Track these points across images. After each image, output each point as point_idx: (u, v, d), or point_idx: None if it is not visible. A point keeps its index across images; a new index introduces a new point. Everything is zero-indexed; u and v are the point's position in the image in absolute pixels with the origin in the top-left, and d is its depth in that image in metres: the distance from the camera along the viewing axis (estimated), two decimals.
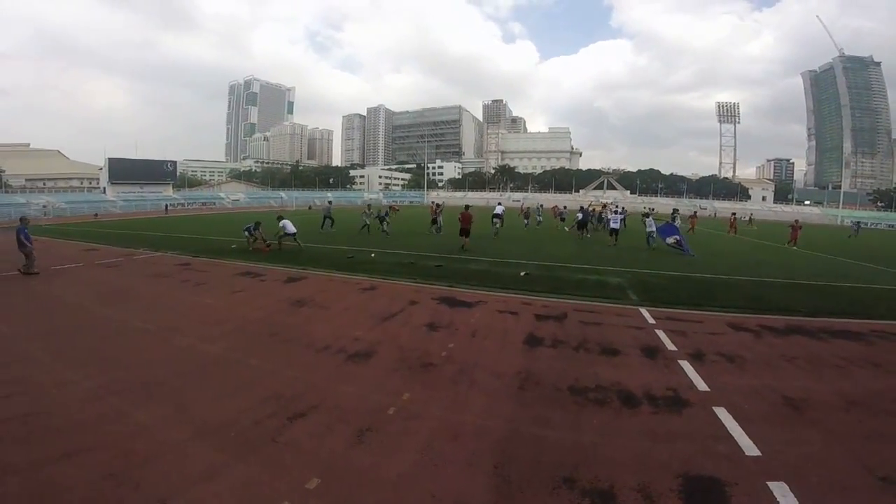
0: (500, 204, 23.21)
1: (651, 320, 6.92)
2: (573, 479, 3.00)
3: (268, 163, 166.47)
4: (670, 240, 16.30)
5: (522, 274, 10.25)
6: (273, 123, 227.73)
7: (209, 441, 3.48)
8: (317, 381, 4.67)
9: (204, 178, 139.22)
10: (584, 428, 3.72)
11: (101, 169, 64.44)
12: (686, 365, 5.10)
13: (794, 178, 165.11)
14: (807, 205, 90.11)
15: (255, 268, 11.49)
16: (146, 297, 8.46)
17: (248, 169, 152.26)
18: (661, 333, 6.24)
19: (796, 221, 22.46)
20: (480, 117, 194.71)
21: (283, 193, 79.84)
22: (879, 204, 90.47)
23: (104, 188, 60.16)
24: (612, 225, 18.70)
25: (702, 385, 4.55)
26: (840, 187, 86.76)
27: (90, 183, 73.51)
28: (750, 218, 41.00)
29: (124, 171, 61.19)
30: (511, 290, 8.80)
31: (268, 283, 9.81)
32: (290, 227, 14.90)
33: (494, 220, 20.83)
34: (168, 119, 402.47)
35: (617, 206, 30.89)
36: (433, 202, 23.51)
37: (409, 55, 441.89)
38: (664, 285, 9.74)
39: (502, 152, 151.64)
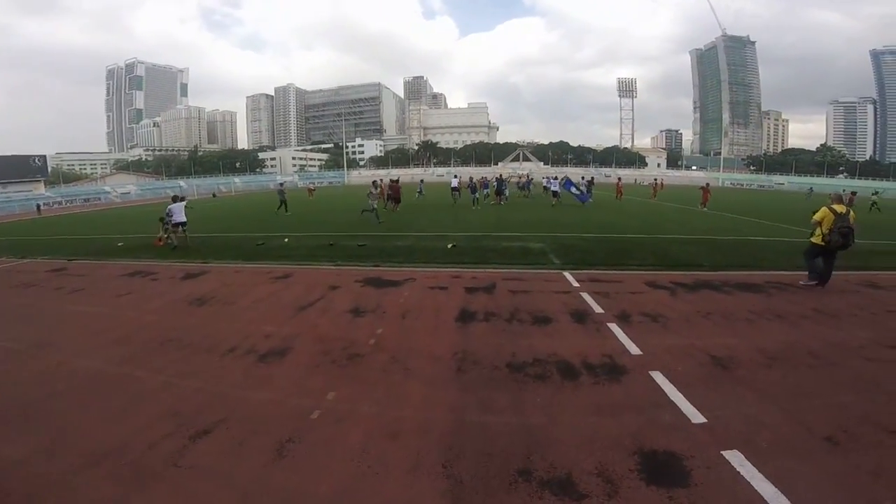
0: (455, 177, 26.13)
1: (575, 283, 7.00)
2: (528, 470, 2.72)
3: (160, 150, 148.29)
4: (574, 190, 22.93)
5: (450, 246, 10.02)
6: (164, 108, 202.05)
7: (99, 472, 2.80)
8: (222, 389, 3.96)
9: (84, 171, 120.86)
10: (529, 409, 3.48)
11: None
12: (615, 328, 5.12)
13: (683, 146, 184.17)
14: (693, 170, 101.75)
15: (147, 266, 9.91)
16: (7, 311, 6.91)
17: (136, 158, 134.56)
18: (586, 296, 6.30)
19: (707, 185, 23.13)
20: (402, 94, 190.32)
21: (182, 182, 71.96)
22: (751, 168, 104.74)
23: None
24: (553, 188, 23.79)
25: (634, 349, 4.56)
26: (720, 154, 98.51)
27: None
28: (659, 183, 37.36)
29: None
30: (440, 264, 8.49)
31: (161, 282, 8.45)
32: (179, 214, 12.28)
33: (454, 193, 23.87)
34: (34, 110, 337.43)
35: (556, 177, 32.42)
36: (389, 179, 23.05)
37: (322, 31, 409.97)
38: (583, 247, 10.08)
39: (424, 128, 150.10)
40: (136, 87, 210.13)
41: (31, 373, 4.44)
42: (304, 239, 12.22)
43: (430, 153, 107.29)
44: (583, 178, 41.69)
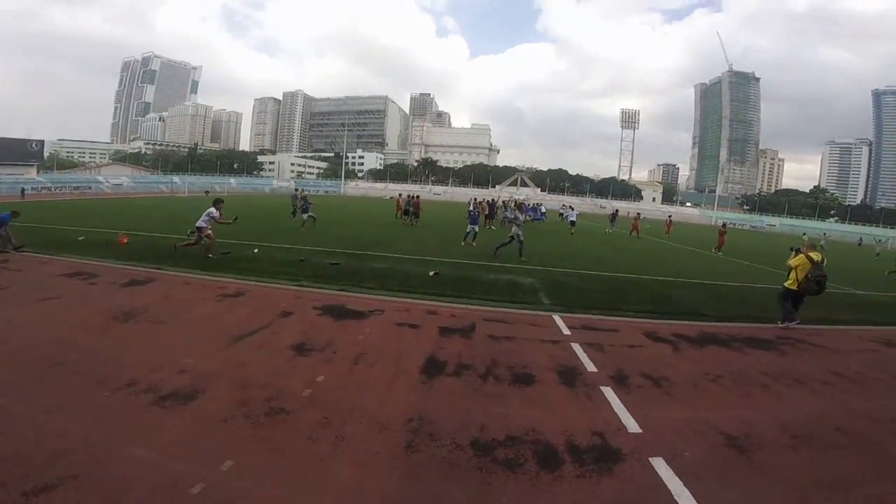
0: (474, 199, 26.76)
1: (566, 330, 6.08)
2: None
3: (161, 145, 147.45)
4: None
5: (432, 273, 9.04)
6: (173, 104, 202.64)
7: None
8: (92, 436, 3.07)
9: (82, 160, 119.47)
10: None
11: None
12: (610, 393, 4.21)
13: (679, 181, 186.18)
14: (688, 206, 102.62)
15: (94, 266, 8.87)
16: None
17: (136, 151, 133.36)
18: (577, 348, 5.37)
19: (724, 226, 20.33)
20: (407, 109, 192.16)
21: (176, 178, 70.93)
22: (745, 207, 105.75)
23: None
24: (571, 219, 25.48)
25: (632, 424, 3.64)
26: (714, 191, 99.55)
27: None
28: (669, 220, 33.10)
29: None
30: (416, 295, 7.51)
31: (98, 286, 7.43)
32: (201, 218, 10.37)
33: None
34: (46, 96, 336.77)
35: (571, 206, 33.21)
36: (407, 195, 23.68)
37: (337, 41, 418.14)
38: (577, 285, 9.17)
39: (426, 145, 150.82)
40: (149, 80, 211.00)
41: None
42: (276, 252, 11.23)
43: (429, 171, 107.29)
44: (570, 206, 41.17)
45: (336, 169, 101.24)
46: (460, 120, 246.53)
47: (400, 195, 24.05)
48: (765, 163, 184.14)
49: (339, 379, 4.20)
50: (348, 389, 4.00)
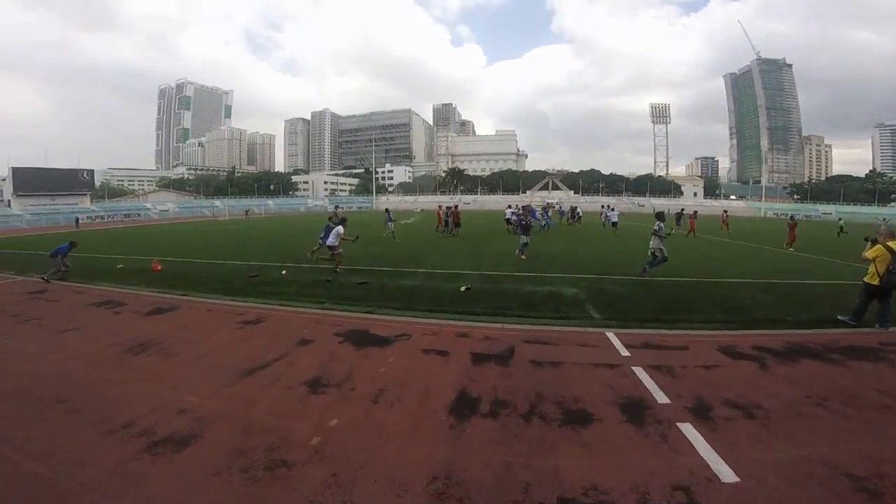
0: (510, 207, 25.21)
1: (624, 351, 5.21)
2: None
3: (202, 170, 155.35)
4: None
5: (463, 289, 8.33)
6: (209, 129, 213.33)
7: None
8: (68, 486, 2.78)
9: (131, 188, 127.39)
10: None
11: (3, 180, 56.32)
12: (690, 431, 3.37)
13: (719, 174, 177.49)
14: (732, 199, 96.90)
15: (123, 295, 8.84)
16: None
17: (179, 177, 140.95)
18: (641, 373, 4.52)
19: (792, 218, 18.26)
20: (430, 120, 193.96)
21: (217, 202, 74.00)
22: (795, 196, 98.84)
23: (8, 201, 52.67)
24: (613, 220, 24.84)
25: (725, 472, 2.83)
26: (759, 182, 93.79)
27: None
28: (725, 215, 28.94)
29: (32, 181, 53.91)
30: (446, 314, 6.82)
31: (121, 316, 7.28)
32: (330, 237, 10.89)
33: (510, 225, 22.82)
34: (89, 126, 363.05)
35: (612, 206, 32.59)
36: (445, 207, 23.92)
37: (355, 57, 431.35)
38: (627, 294, 8.19)
39: (452, 155, 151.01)
40: (185, 107, 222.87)
41: None
42: (302, 272, 10.88)
43: (457, 180, 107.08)
44: (610, 206, 39.54)
45: (367, 184, 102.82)
46: (484, 127, 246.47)
47: (440, 207, 24.41)
48: (810, 150, 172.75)
49: (353, 423, 3.57)
50: (363, 437, 3.36)
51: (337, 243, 10.71)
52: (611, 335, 5.75)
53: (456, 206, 24.63)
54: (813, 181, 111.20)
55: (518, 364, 4.78)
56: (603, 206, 34.42)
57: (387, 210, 22.64)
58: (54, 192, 55.75)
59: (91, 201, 61.82)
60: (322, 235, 12.07)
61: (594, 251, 15.21)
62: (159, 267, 11.78)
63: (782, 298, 8.16)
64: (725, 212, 28.10)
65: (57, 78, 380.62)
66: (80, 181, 59.90)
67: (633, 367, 4.70)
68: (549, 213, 26.96)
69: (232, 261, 13.11)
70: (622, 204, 74.25)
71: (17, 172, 53.17)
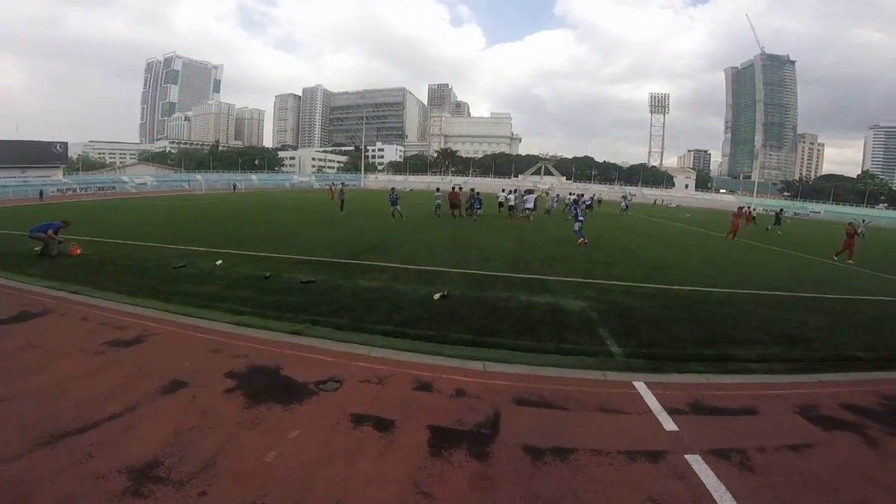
0: (504, 191, 23.94)
1: (668, 421, 3.38)
2: None
3: (186, 143, 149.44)
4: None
5: (437, 296, 6.38)
6: (197, 103, 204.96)
7: None
8: None
9: (112, 160, 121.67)
10: None
11: None
12: None
13: (711, 168, 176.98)
14: (722, 192, 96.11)
15: (5, 287, 6.81)
16: None
17: (161, 150, 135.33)
18: (703, 470, 2.73)
19: (850, 225, 13.90)
20: (425, 101, 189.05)
21: (199, 176, 70.37)
22: (786, 193, 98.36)
23: None
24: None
25: None
26: (749, 177, 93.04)
27: None
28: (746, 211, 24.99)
29: (2, 154, 50.20)
30: (407, 339, 4.89)
31: None
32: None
33: (500, 208, 22.21)
34: (72, 99, 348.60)
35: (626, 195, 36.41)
36: (451, 187, 23.02)
37: (353, 35, 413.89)
38: (649, 312, 6.27)
39: (445, 136, 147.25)
40: (172, 81, 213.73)
41: None
42: (244, 263, 8.82)
43: (449, 161, 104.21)
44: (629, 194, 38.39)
45: (356, 162, 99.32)
46: (479, 110, 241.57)
47: (459, 188, 22.34)
48: (803, 148, 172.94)
49: None
50: None
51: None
52: (642, 387, 3.91)
53: (458, 188, 23.11)
54: (804, 179, 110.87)
55: (504, 453, 2.87)
56: (623, 196, 37.21)
57: (393, 189, 20.27)
58: (25, 164, 52.42)
59: (64, 174, 58.32)
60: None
61: (598, 247, 13.29)
62: (78, 251, 9.67)
63: (834, 320, 6.45)
64: (749, 208, 23.61)
65: (42, 53, 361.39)
66: (52, 153, 56.48)
67: (687, 457, 2.89)
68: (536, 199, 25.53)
69: (173, 244, 10.95)
70: (613, 192, 72.72)
71: None
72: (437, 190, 23.22)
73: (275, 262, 8.73)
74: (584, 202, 19.96)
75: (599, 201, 31.43)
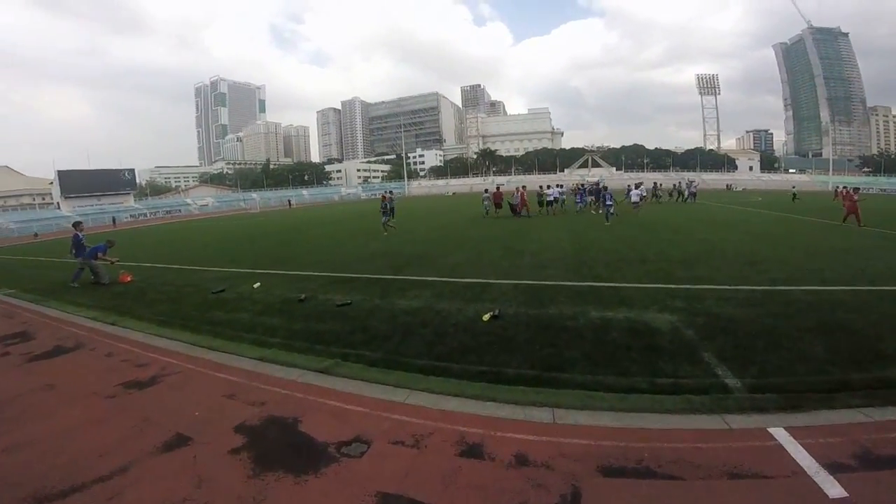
0: (549, 187, 22.99)
1: (827, 480, 2.35)
2: None
3: (241, 164, 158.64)
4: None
5: (487, 317, 5.40)
6: (245, 123, 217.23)
7: None
8: None
9: (178, 184, 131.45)
10: None
11: (51, 183, 58.31)
12: None
13: (775, 147, 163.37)
14: (792, 172, 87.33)
15: (43, 321, 6.78)
16: None
17: (219, 171, 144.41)
18: None
19: (848, 189, 12.25)
20: (459, 103, 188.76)
21: (254, 194, 74.07)
22: (865, 169, 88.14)
23: (58, 203, 54.35)
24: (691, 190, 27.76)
25: None
26: (819, 155, 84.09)
27: (43, 199, 67.25)
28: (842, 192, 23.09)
29: (77, 183, 55.07)
30: (452, 377, 3.97)
31: (5, 358, 5.10)
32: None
33: (549, 205, 21.57)
34: (131, 127, 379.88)
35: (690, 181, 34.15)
36: (495, 187, 23.61)
37: (380, 43, 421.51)
38: (764, 325, 4.87)
39: (483, 136, 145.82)
40: (221, 103, 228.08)
41: None
42: (284, 284, 8.33)
43: (490, 161, 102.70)
44: (690, 181, 35.55)
45: (399, 170, 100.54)
46: (515, 107, 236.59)
47: (518, 189, 21.81)
48: (877, 121, 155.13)
49: None
50: None
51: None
52: (782, 435, 2.82)
53: (498, 188, 23.23)
54: (883, 153, 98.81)
55: None
56: (683, 181, 34.92)
57: (388, 193, 17.24)
58: (99, 192, 56.88)
59: (134, 199, 63.04)
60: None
61: (672, 241, 11.68)
62: (129, 278, 9.73)
63: None
64: (845, 188, 20.10)
65: (97, 83, 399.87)
66: (121, 180, 60.96)
67: None
68: (585, 192, 23.99)
69: (219, 267, 10.80)
70: (670, 179, 68.02)
71: (62, 175, 54.37)
72: (486, 191, 22.79)
73: (313, 282, 8.17)
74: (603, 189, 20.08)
75: (655, 193, 28.38)
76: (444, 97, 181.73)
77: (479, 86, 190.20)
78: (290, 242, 15.54)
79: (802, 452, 2.67)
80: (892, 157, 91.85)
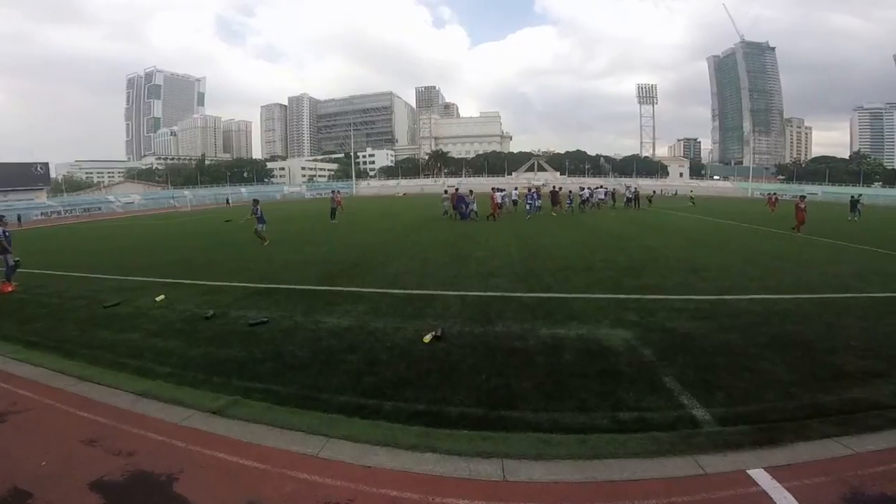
0: (501, 190, 23.45)
1: None
2: None
3: (172, 159, 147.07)
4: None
5: (428, 338, 4.71)
6: (182, 117, 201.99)
7: None
8: None
9: (101, 180, 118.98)
10: None
11: None
12: None
13: (702, 155, 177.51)
14: (716, 179, 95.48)
15: None
16: None
17: (148, 167, 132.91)
18: None
19: (802, 199, 13.44)
20: (413, 104, 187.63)
21: (187, 192, 67.82)
22: (780, 177, 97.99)
23: None
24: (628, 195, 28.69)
25: None
26: (741, 163, 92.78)
27: None
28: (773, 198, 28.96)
29: None
30: (384, 420, 3.27)
31: None
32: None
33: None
34: (54, 120, 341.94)
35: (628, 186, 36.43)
36: (453, 189, 24.09)
37: (335, 42, 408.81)
38: (719, 341, 4.62)
39: (436, 138, 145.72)
40: (155, 96, 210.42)
41: None
42: (192, 296, 7.15)
43: (441, 163, 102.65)
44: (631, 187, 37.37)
45: (347, 169, 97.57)
46: (468, 110, 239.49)
47: (446, 190, 23.14)
48: (791, 132, 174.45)
49: None
50: None
51: None
52: (763, 477, 2.46)
53: (456, 189, 23.84)
54: (796, 162, 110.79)
55: None
56: (627, 187, 36.50)
57: (255, 201, 14.20)
58: (6, 187, 50.15)
59: (48, 196, 56.11)
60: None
61: (617, 247, 11.67)
62: (9, 288, 8.06)
63: None
64: (774, 195, 26.34)
65: (17, 72, 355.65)
66: (33, 175, 54.23)
67: None
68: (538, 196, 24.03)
69: (122, 275, 9.25)
70: (608, 185, 71.49)
71: None
72: (445, 192, 23.25)
73: (228, 294, 7.08)
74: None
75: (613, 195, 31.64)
76: (398, 97, 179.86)
77: (435, 87, 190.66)
78: (214, 246, 13.93)
79: (789, 498, 2.28)
80: (803, 165, 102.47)
